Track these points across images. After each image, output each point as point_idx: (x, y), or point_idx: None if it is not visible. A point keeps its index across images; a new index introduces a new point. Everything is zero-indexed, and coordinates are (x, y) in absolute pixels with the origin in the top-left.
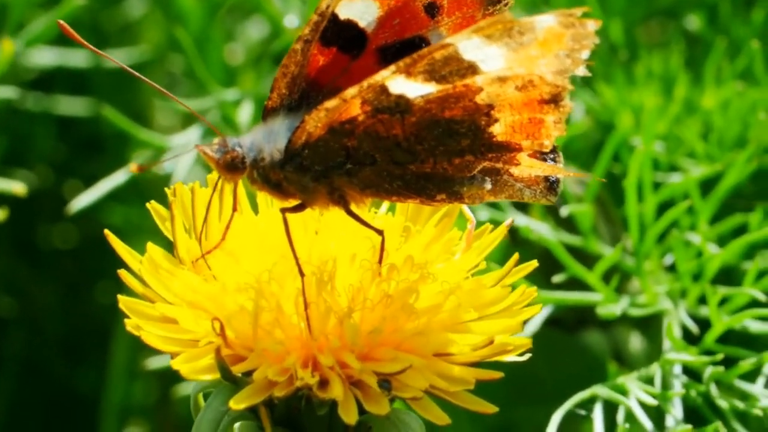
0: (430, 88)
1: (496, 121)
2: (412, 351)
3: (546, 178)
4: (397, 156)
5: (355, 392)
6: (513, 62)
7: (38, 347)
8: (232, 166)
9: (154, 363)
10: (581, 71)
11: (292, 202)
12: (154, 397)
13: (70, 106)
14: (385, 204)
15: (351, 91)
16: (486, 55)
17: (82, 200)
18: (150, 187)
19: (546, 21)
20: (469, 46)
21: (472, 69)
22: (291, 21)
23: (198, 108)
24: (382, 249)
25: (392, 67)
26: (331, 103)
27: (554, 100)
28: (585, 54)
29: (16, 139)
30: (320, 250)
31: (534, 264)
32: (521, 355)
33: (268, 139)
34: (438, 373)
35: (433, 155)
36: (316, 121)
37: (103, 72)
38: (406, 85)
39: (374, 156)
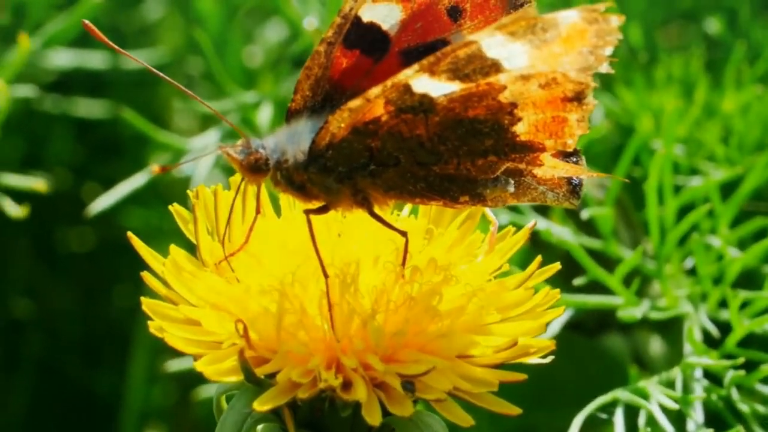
0: (454, 87)
1: (520, 119)
2: (435, 353)
3: (569, 181)
4: (421, 157)
5: (379, 394)
6: (536, 59)
7: (56, 350)
8: (255, 168)
9: (173, 366)
10: (604, 68)
11: (316, 204)
12: (173, 400)
13: (89, 108)
14: (408, 207)
15: (374, 91)
16: (509, 52)
17: (100, 203)
18: (168, 189)
19: (569, 17)
20: (493, 43)
21: (495, 67)
22: (310, 23)
23: (217, 110)
24: (406, 251)
25: (415, 66)
26: (354, 103)
27: (577, 97)
28: (608, 50)
29: (34, 142)
30: (343, 252)
31: (557, 266)
32: (544, 357)
33: (291, 141)
34: (461, 375)
35: (457, 156)
36: (339, 122)
37: (121, 74)
38: (430, 84)
39: (398, 157)
